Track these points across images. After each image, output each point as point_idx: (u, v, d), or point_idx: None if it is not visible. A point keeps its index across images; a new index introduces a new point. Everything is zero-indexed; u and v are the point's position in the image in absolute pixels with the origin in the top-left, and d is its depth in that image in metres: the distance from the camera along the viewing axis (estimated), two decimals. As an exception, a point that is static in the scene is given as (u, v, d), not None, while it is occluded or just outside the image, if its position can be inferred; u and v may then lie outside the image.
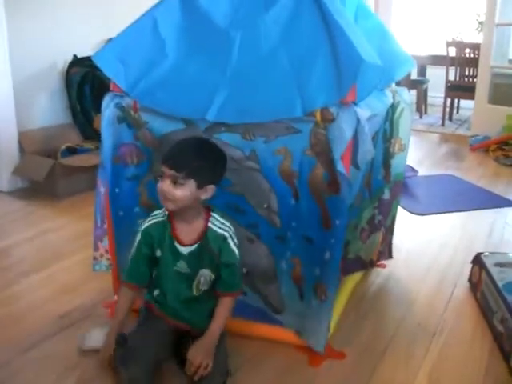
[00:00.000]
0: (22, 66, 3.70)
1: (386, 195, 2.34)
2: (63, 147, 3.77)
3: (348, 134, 1.71)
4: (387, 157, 2.29)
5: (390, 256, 2.60)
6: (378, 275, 2.55)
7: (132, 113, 1.96)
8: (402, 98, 2.26)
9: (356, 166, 1.80)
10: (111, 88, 1.97)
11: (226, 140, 1.86)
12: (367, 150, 1.82)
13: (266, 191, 1.89)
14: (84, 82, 4.02)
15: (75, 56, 4.03)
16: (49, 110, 4.02)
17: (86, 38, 4.00)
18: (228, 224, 1.77)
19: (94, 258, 2.18)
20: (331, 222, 1.80)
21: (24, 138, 3.74)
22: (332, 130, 1.72)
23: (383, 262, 2.60)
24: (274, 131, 1.80)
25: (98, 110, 4.50)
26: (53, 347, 2.00)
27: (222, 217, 1.78)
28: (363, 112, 1.78)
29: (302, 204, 1.86)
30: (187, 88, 1.87)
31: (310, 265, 1.91)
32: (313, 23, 1.79)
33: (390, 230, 2.54)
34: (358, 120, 1.73)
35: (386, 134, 2.24)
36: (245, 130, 1.83)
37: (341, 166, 1.71)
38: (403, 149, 2.34)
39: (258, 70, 1.81)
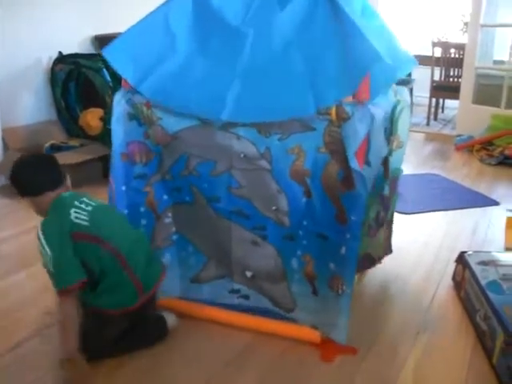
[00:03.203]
0: (7, 62, 3.66)
1: (386, 191, 2.35)
2: (47, 144, 3.74)
3: (362, 132, 1.72)
4: (387, 154, 2.30)
5: (390, 251, 2.61)
6: (363, 274, 2.56)
7: (145, 109, 1.94)
8: (403, 96, 2.27)
9: (368, 163, 1.81)
10: (122, 84, 1.96)
11: (243, 134, 1.86)
12: (380, 148, 1.83)
13: (274, 194, 1.90)
14: (69, 79, 3.99)
15: (60, 53, 4.00)
16: (33, 106, 3.99)
17: (71, 34, 3.97)
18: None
19: None
20: (347, 217, 1.81)
21: (8, 135, 3.69)
22: (346, 128, 1.73)
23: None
24: (288, 128, 1.81)
25: (84, 107, 4.45)
26: (39, 344, 1.98)
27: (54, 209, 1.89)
28: (377, 110, 1.79)
29: (315, 202, 1.86)
30: (197, 85, 1.86)
31: (323, 261, 1.91)
32: (327, 21, 1.79)
33: (389, 226, 2.56)
34: (373, 118, 1.74)
35: (387, 131, 2.25)
36: (261, 126, 1.83)
37: (354, 163, 1.72)
38: (401, 145, 2.35)
39: (271, 67, 1.81)
